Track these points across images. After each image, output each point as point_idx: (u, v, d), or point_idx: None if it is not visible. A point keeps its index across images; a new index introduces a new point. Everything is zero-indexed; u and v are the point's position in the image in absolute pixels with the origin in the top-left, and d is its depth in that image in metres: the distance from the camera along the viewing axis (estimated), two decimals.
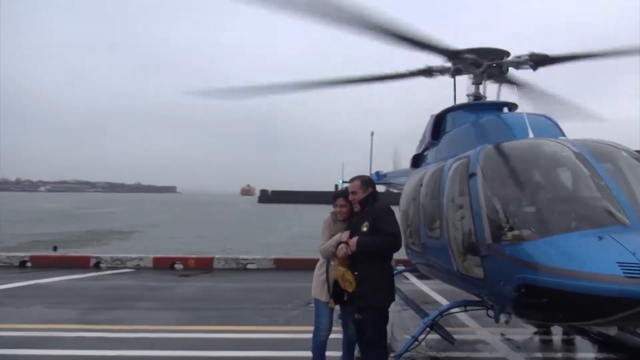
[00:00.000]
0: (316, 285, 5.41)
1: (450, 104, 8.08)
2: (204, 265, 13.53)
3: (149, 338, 6.93)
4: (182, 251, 24.04)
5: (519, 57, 7.26)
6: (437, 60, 7.83)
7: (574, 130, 6.17)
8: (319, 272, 5.42)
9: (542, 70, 7.22)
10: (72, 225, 45.36)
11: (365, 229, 4.71)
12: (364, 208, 4.90)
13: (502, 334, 7.22)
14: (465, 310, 6.00)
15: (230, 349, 6.46)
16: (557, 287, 3.81)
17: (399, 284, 6.84)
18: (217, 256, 13.90)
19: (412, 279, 11.63)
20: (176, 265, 13.51)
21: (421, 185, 7.02)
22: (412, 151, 9.56)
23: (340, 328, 5.51)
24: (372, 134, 16.92)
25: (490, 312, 5.51)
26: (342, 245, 4.78)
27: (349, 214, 5.26)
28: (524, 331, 7.46)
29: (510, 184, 4.94)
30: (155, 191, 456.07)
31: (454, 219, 5.75)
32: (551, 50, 7.05)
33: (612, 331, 4.26)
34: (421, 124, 9.23)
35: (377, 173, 16.33)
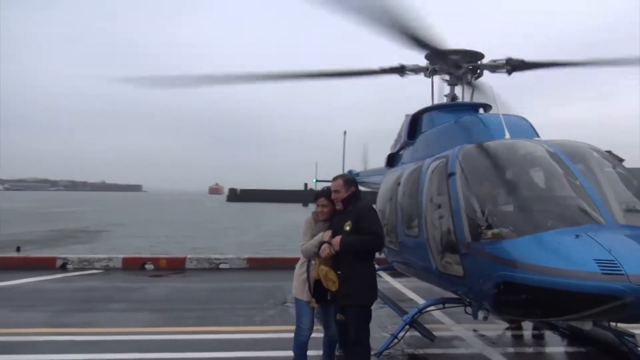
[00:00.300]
0: (297, 285, 5.39)
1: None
2: (175, 266, 13.30)
3: (123, 340, 6.78)
4: (150, 252, 23.65)
5: (495, 60, 7.43)
6: (411, 59, 7.94)
7: None
8: (299, 271, 5.41)
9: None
10: (35, 225, 43.83)
11: (348, 228, 4.73)
12: (347, 207, 4.92)
13: (475, 330, 7.37)
14: (444, 308, 6.10)
15: (209, 350, 6.38)
16: (536, 284, 3.93)
17: None
18: (189, 256, 13.69)
19: (386, 277, 11.75)
20: (147, 266, 13.23)
21: (398, 184, 7.11)
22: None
23: (319, 327, 5.51)
24: (345, 132, 17.04)
25: (468, 309, 5.63)
26: (325, 245, 4.78)
27: (331, 214, 5.27)
28: (497, 327, 7.64)
29: (489, 183, 5.06)
30: (120, 190, 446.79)
31: (433, 217, 5.85)
32: (527, 56, 7.25)
33: (588, 326, 4.42)
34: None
35: (350, 172, 16.43)
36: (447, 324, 7.79)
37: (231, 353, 6.31)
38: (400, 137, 8.99)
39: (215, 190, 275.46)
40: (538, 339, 7.24)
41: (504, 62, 7.35)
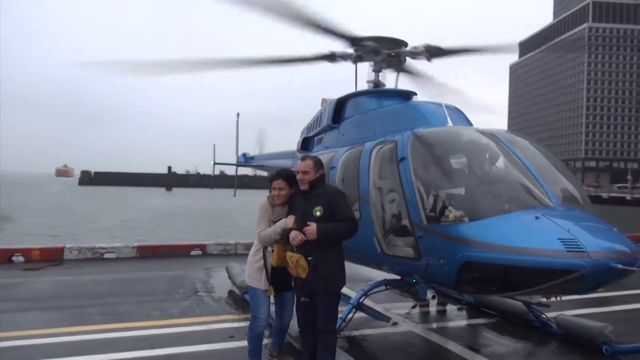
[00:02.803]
0: (252, 273, 5.12)
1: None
2: (51, 257, 11.79)
3: (27, 346, 5.83)
4: None
5: (415, 47, 7.72)
6: (340, 46, 7.96)
7: None
8: (254, 258, 5.14)
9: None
10: None
11: (318, 213, 4.57)
12: (313, 190, 4.74)
13: (387, 310, 7.62)
14: (387, 289, 6.27)
15: (136, 349, 5.78)
16: (504, 262, 4.22)
17: None
18: (68, 245, 12.22)
19: None
20: (14, 258, 11.54)
21: (332, 168, 7.08)
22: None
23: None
24: (238, 115, 16.59)
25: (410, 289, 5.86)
26: (296, 233, 4.58)
27: (288, 198, 5.05)
28: (405, 305, 8.11)
29: (444, 168, 5.28)
30: None
31: (378, 202, 5.93)
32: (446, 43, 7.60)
33: (536, 299, 4.88)
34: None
35: (244, 155, 16.08)
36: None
37: (163, 350, 5.80)
38: (318, 121, 8.97)
39: (63, 172, 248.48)
40: (442, 314, 7.82)
41: (423, 48, 7.64)
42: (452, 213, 4.77)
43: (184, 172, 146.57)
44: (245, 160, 15.79)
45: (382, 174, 6.00)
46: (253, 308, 5.12)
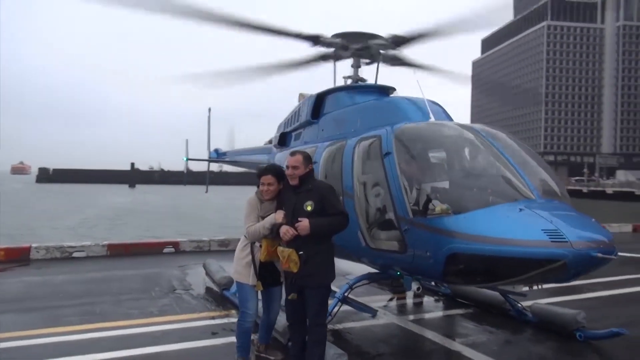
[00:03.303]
0: (239, 269, 5.11)
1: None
2: (17, 256, 11.37)
3: (1, 349, 5.63)
4: None
5: (382, 38, 7.73)
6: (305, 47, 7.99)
7: None
8: (241, 254, 5.13)
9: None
10: None
11: (309, 208, 4.60)
12: (303, 185, 4.76)
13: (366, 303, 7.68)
14: (371, 282, 6.35)
15: (122, 349, 5.65)
16: (491, 253, 4.35)
17: None
18: (34, 245, 11.81)
19: None
20: None
21: (313, 163, 7.09)
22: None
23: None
24: (210, 110, 16.40)
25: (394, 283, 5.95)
26: (287, 228, 4.59)
27: (277, 193, 5.06)
28: (382, 297, 8.24)
29: (431, 162, 5.38)
30: None
31: (364, 196, 5.99)
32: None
33: (519, 288, 5.04)
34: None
35: (216, 150, 15.90)
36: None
37: (148, 349, 5.71)
38: (296, 116, 8.96)
39: (19, 169, 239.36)
40: (419, 306, 7.95)
41: (390, 38, 7.62)
42: (439, 206, 4.87)
43: (147, 169, 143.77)
44: (218, 155, 15.63)
45: (366, 168, 6.05)
46: (241, 304, 5.11)
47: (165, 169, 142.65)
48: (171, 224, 35.43)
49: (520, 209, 4.49)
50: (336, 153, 6.60)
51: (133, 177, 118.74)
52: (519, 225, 4.36)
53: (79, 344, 5.90)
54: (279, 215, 4.82)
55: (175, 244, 12.97)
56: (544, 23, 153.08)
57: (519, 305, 6.97)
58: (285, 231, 4.56)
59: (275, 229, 4.77)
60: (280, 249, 4.68)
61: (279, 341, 5.72)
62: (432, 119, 5.97)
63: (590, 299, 8.23)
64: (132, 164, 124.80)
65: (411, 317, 7.28)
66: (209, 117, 16.05)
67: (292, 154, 4.82)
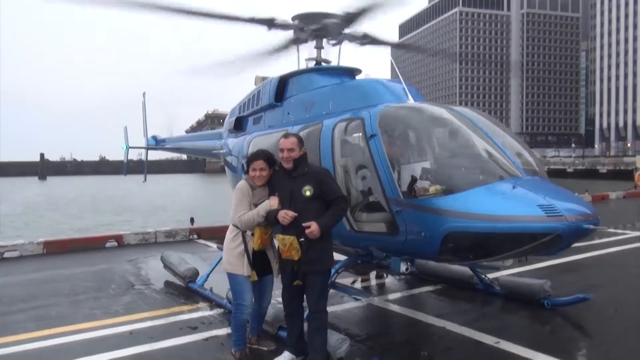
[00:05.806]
0: (231, 260, 4.88)
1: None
2: None
3: None
4: None
5: (335, 16, 7.51)
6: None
7: None
8: (232, 244, 4.89)
9: None
10: None
11: (308, 193, 4.48)
12: (298, 169, 4.62)
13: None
14: (357, 264, 6.32)
15: (97, 353, 5.23)
16: (490, 230, 4.48)
17: None
18: None
19: None
20: None
21: None
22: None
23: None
24: (144, 94, 15.50)
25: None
26: (284, 212, 4.48)
27: (268, 178, 4.87)
28: (346, 281, 8.26)
29: (419, 143, 5.40)
30: None
31: (346, 179, 5.91)
32: None
33: (508, 263, 5.24)
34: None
35: (155, 137, 15.08)
36: None
37: (131, 349, 5.33)
38: (255, 100, 8.67)
39: None
40: (382, 287, 8.09)
41: (343, 16, 7.22)
42: (432, 186, 4.91)
43: (58, 160, 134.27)
44: (157, 143, 14.80)
45: (347, 152, 5.96)
46: (237, 296, 4.89)
47: (78, 159, 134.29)
48: (89, 217, 33.28)
49: (514, 187, 4.64)
50: (312, 136, 6.43)
51: (43, 168, 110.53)
52: (516, 202, 4.50)
53: (41, 352, 5.38)
54: (273, 202, 4.65)
55: (118, 238, 12.20)
56: (456, 9, 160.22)
57: (487, 278, 7.28)
58: (284, 214, 4.43)
59: (272, 216, 4.60)
60: (280, 236, 4.53)
61: (269, 332, 5.56)
62: (411, 100, 6.00)
63: (541, 268, 8.72)
64: (42, 155, 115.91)
65: (387, 297, 7.39)
66: (143, 103, 15.15)
67: (286, 136, 4.69)
